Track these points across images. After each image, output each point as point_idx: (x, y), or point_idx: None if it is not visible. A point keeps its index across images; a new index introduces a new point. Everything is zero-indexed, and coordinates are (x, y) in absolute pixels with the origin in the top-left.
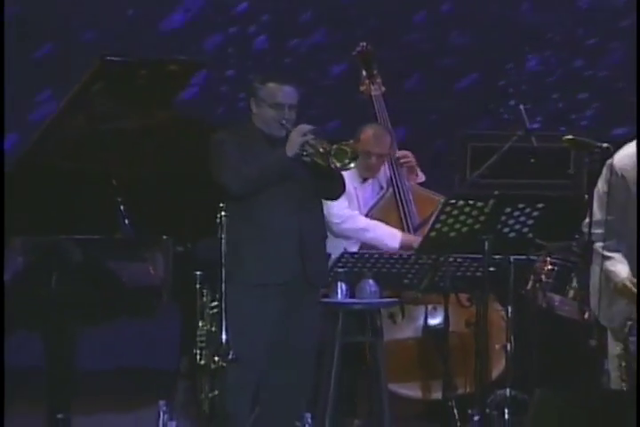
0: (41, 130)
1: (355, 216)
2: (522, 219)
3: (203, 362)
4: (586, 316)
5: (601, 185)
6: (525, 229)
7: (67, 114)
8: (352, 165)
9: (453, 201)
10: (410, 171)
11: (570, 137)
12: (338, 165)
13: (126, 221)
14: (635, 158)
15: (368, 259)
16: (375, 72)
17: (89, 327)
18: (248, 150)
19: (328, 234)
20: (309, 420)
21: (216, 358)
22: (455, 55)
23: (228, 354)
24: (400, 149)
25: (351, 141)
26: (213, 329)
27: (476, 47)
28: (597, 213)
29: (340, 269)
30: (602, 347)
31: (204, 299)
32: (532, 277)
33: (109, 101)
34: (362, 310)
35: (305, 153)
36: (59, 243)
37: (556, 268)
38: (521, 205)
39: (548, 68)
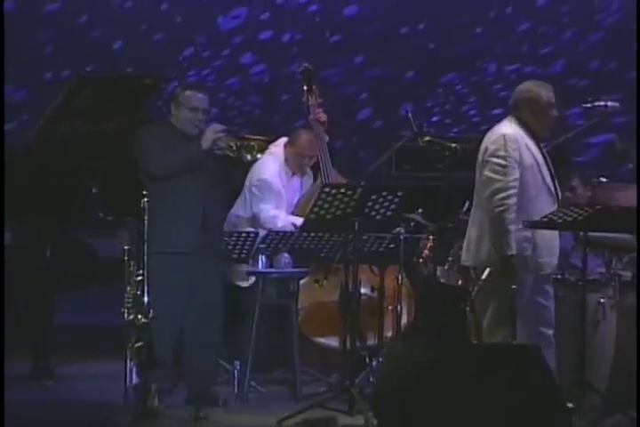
0: (33, 131)
1: (277, 217)
2: (385, 204)
3: (129, 319)
4: (459, 282)
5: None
6: (389, 213)
7: (53, 119)
8: (259, 155)
9: (327, 189)
10: (323, 125)
11: (427, 138)
12: (248, 157)
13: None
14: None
15: (290, 237)
16: (314, 87)
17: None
18: (166, 144)
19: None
20: (238, 366)
21: (139, 316)
22: None
23: (149, 313)
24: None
25: (255, 140)
26: (138, 293)
27: None
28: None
29: (262, 245)
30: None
31: (131, 268)
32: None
33: (88, 109)
34: (278, 277)
35: (217, 147)
36: (50, 223)
37: (437, 244)
38: (384, 193)
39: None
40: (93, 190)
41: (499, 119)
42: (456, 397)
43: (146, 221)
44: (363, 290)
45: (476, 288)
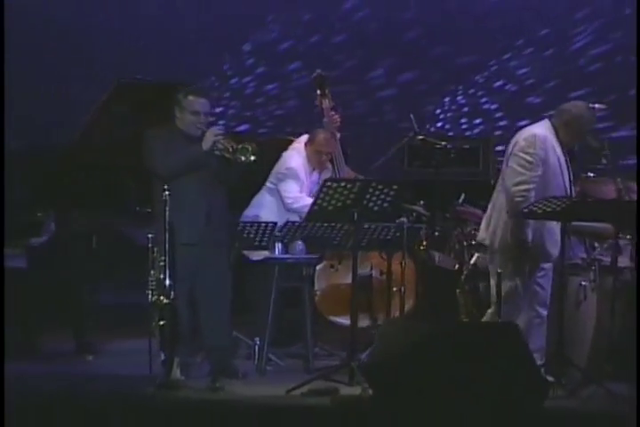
0: (78, 132)
1: (301, 198)
2: (382, 197)
3: (153, 300)
4: (456, 267)
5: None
6: (385, 204)
7: (94, 122)
8: (252, 158)
9: (329, 184)
10: (336, 126)
11: (421, 137)
12: (242, 159)
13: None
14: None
15: (304, 226)
16: (326, 91)
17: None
18: (171, 145)
19: (278, 207)
20: (258, 342)
21: (162, 298)
22: None
23: (170, 294)
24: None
25: (250, 142)
26: (161, 276)
27: None
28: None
29: (278, 234)
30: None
31: (155, 254)
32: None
33: (126, 112)
34: (293, 263)
35: (216, 149)
36: (96, 216)
37: (437, 233)
38: (380, 187)
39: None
40: (130, 186)
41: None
42: (442, 370)
43: (167, 213)
44: (373, 273)
45: (465, 272)
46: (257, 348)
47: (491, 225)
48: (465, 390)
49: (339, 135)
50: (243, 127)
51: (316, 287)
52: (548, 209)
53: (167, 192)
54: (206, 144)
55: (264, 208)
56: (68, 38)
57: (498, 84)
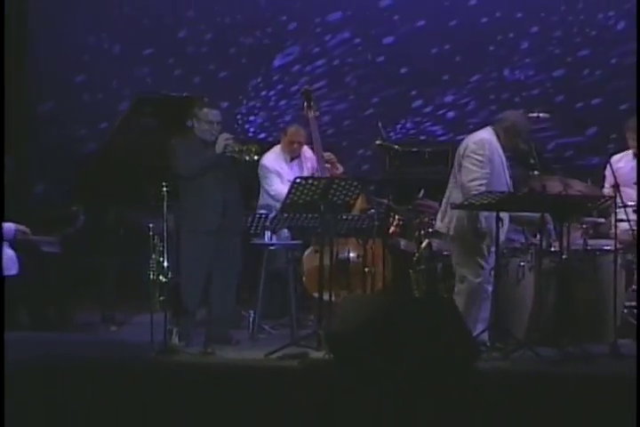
0: (106, 138)
1: (282, 192)
2: (344, 192)
3: (153, 279)
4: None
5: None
6: (347, 198)
7: (120, 129)
8: (256, 157)
9: (299, 181)
10: (332, 165)
11: (379, 142)
12: (247, 158)
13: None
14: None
15: (292, 218)
16: (312, 103)
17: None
18: (191, 150)
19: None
20: (252, 314)
21: (161, 277)
22: None
23: (168, 274)
24: (326, 151)
25: (253, 144)
26: (160, 259)
27: None
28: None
29: (268, 224)
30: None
31: (155, 241)
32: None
33: (147, 121)
34: (278, 248)
35: (227, 151)
36: (123, 210)
37: (401, 222)
38: (342, 184)
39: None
40: (147, 184)
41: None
42: (392, 336)
43: (165, 207)
44: (352, 255)
45: (417, 255)
46: (251, 319)
47: (446, 217)
48: (410, 353)
49: (334, 157)
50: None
51: (304, 269)
52: (485, 201)
53: (165, 189)
54: (219, 147)
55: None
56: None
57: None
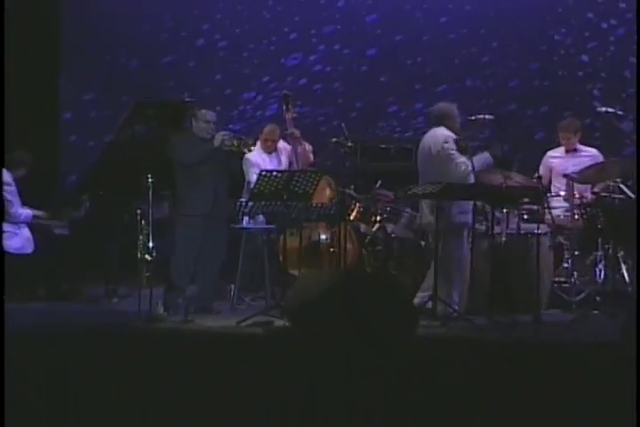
0: (109, 138)
1: None
2: (304, 183)
3: (140, 257)
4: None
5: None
6: (307, 189)
7: (121, 131)
8: (252, 148)
9: (264, 173)
10: (297, 140)
11: (335, 140)
12: (245, 150)
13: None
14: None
15: (266, 204)
16: (290, 106)
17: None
18: (189, 144)
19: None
20: (233, 288)
21: (146, 256)
22: None
23: (152, 253)
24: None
25: (250, 139)
26: (146, 241)
27: None
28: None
29: (246, 210)
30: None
31: (142, 224)
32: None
33: (143, 125)
34: (255, 231)
35: (224, 145)
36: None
37: (361, 209)
38: (302, 175)
39: None
40: (149, 177)
41: None
42: (342, 306)
43: (150, 195)
44: (322, 237)
45: (369, 237)
46: (231, 292)
47: (434, 211)
48: (358, 321)
49: (299, 133)
50: None
51: (282, 249)
52: (427, 191)
53: (150, 180)
54: (217, 142)
55: None
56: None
57: None
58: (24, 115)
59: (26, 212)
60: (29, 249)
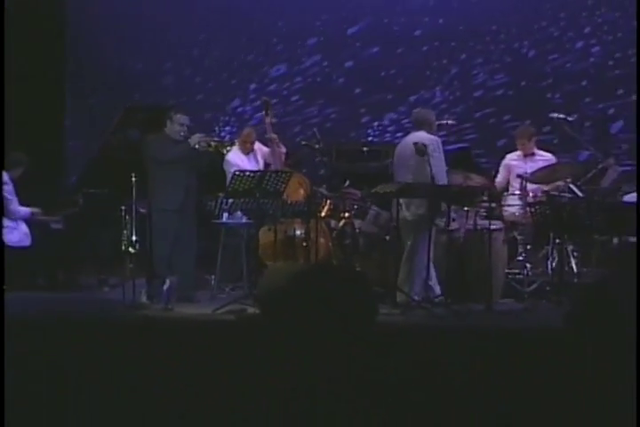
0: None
1: None
2: (275, 181)
3: (124, 250)
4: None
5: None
6: (278, 187)
7: (113, 135)
8: (228, 148)
9: (237, 173)
10: (276, 144)
11: (304, 143)
12: (224, 151)
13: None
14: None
15: (244, 202)
16: (269, 111)
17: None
18: (162, 144)
19: None
20: (213, 278)
21: (130, 248)
22: None
23: (136, 246)
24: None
25: (226, 141)
26: (130, 235)
27: None
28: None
29: (225, 206)
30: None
31: (127, 219)
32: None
33: (133, 128)
34: (234, 226)
35: (200, 146)
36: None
37: (332, 206)
38: (273, 175)
39: None
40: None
41: None
42: (307, 297)
43: (134, 193)
44: (297, 232)
45: (336, 232)
46: (212, 282)
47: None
48: (321, 310)
49: (276, 136)
50: None
51: (260, 243)
52: (387, 190)
53: (134, 178)
54: (193, 143)
55: None
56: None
57: None
58: (29, 118)
59: (24, 209)
60: (27, 242)
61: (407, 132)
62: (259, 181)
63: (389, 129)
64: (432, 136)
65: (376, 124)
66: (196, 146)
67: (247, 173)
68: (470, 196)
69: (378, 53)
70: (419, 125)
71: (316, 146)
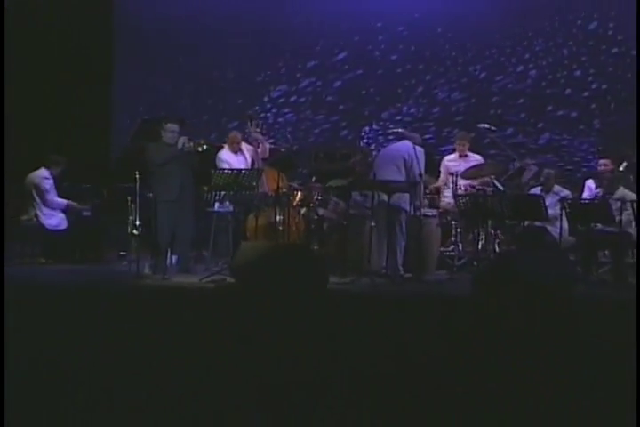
0: (124, 148)
1: None
2: (249, 178)
3: (130, 232)
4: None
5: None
6: (253, 183)
7: (131, 141)
8: (205, 147)
9: (217, 171)
10: (260, 142)
11: (283, 150)
12: (200, 149)
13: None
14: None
15: (233, 194)
16: (254, 122)
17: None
18: (159, 148)
19: None
20: (207, 254)
21: (134, 231)
22: None
23: (139, 229)
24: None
25: (208, 142)
26: (134, 219)
27: None
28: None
29: (217, 197)
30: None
31: (132, 207)
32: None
33: (147, 137)
34: (223, 213)
35: (185, 148)
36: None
37: (319, 197)
38: (247, 173)
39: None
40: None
41: None
42: (271, 270)
43: (138, 186)
44: (276, 218)
45: (304, 217)
46: (206, 258)
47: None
48: (284, 279)
49: (261, 136)
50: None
51: (247, 226)
52: (339, 184)
53: (138, 175)
54: (179, 145)
55: None
56: None
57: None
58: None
59: (61, 200)
60: (64, 226)
61: (387, 140)
62: (235, 178)
63: (362, 141)
64: (412, 145)
65: (350, 137)
66: (183, 147)
67: (225, 171)
68: (398, 189)
69: (362, 75)
70: (401, 137)
71: (282, 150)
